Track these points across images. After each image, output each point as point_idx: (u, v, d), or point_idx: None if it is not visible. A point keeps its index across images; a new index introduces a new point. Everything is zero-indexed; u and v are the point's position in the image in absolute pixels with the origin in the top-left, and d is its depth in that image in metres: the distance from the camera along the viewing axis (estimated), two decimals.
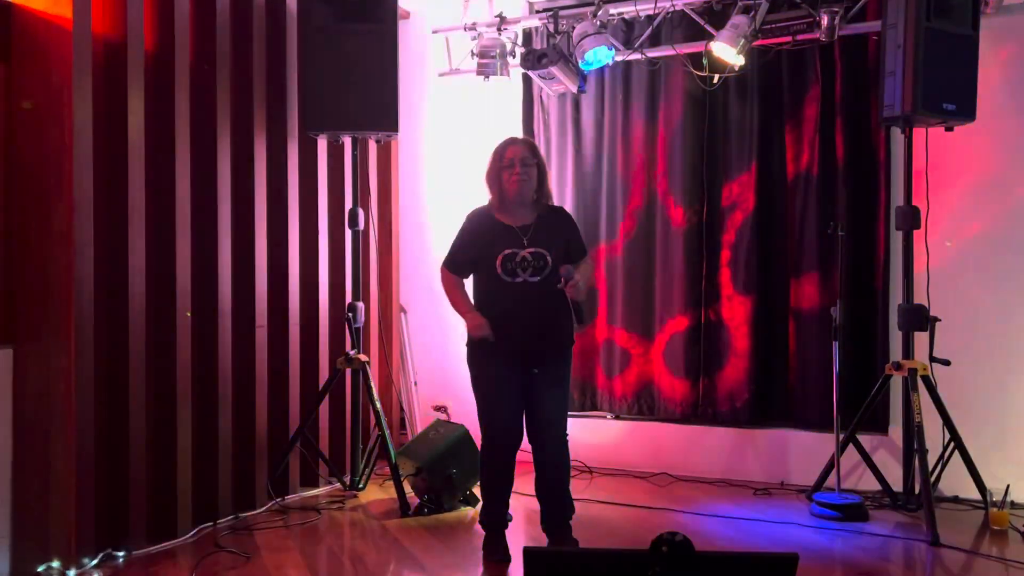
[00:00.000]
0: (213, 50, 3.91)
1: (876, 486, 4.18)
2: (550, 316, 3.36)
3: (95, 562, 3.32)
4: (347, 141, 4.63)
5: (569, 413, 3.53)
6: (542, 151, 5.17)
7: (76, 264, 3.25)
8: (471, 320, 3.38)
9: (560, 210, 3.62)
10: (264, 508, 4.13)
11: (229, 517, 3.94)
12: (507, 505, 3.53)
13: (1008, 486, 3.78)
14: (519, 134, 5.22)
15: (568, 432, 3.48)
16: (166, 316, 3.67)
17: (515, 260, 3.33)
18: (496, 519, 3.48)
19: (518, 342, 3.35)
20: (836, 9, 4.22)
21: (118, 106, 3.48)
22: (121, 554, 3.43)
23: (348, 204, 4.62)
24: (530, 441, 3.44)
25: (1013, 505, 3.86)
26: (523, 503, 3.95)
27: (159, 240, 3.67)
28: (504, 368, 3.37)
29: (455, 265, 3.50)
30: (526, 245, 3.35)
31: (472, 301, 3.45)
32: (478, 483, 4.23)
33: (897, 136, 4.24)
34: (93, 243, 3.35)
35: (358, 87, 4.24)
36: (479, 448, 4.22)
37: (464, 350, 3.49)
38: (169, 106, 3.68)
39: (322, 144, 4.62)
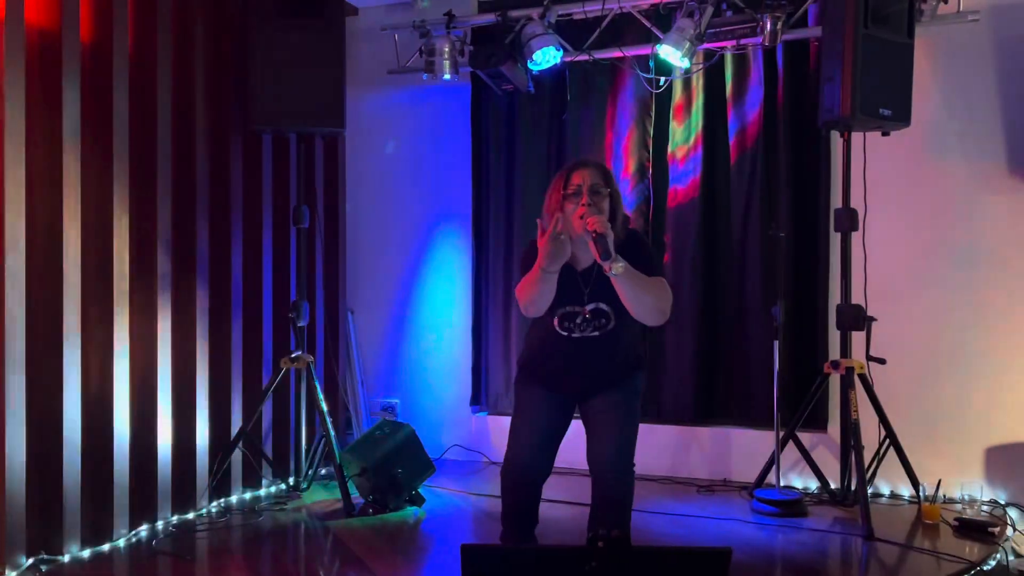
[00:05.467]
0: (154, 43, 3.82)
1: (815, 482, 4.28)
2: (612, 363, 3.19)
3: (25, 567, 3.22)
4: (292, 138, 4.58)
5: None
6: (491, 151, 5.22)
7: (8, 260, 3.15)
8: (544, 249, 2.89)
9: (631, 237, 3.11)
10: (205, 510, 4.06)
11: (168, 519, 3.86)
12: (528, 535, 3.18)
13: (940, 481, 3.89)
14: (468, 133, 5.22)
15: (635, 462, 3.14)
16: (103, 312, 3.58)
17: (574, 321, 3.08)
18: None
19: (566, 383, 3.20)
20: (779, 14, 4.30)
21: (53, 100, 3.37)
22: (54, 559, 3.33)
23: (293, 201, 4.56)
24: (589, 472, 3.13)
25: (945, 499, 3.97)
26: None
27: (96, 237, 3.57)
28: (541, 394, 3.17)
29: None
30: (586, 300, 3.06)
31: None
32: (424, 482, 4.24)
33: (836, 140, 4.34)
34: (26, 238, 3.25)
35: (304, 83, 4.19)
36: (423, 447, 4.23)
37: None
38: (107, 100, 3.58)
39: (267, 141, 4.56)
